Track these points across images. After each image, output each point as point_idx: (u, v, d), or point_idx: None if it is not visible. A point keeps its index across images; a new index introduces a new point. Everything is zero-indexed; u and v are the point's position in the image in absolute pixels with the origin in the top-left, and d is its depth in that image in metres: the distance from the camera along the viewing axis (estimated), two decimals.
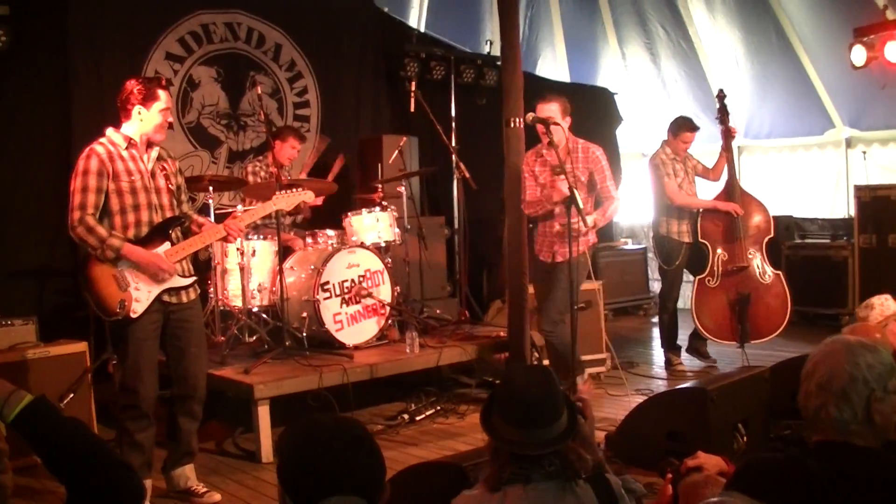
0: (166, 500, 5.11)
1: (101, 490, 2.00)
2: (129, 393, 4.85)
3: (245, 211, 5.73)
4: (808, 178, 11.46)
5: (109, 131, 4.90)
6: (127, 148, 4.86)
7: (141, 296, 4.81)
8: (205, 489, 5.16)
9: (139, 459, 4.82)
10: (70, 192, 4.76)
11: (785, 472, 2.51)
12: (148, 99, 4.85)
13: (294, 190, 5.72)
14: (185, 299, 5.03)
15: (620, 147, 12.55)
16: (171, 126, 7.57)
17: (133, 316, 4.78)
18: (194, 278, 5.07)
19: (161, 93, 4.90)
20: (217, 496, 5.15)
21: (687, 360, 8.19)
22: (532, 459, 2.65)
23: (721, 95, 7.99)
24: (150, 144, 4.96)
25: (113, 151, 4.81)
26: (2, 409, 2.03)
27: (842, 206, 10.90)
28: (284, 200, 5.58)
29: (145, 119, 4.86)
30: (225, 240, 5.59)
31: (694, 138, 8.05)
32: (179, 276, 4.97)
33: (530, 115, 5.77)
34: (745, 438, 4.92)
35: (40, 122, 7.50)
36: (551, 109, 6.20)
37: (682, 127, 8.04)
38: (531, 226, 6.79)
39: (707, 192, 8.13)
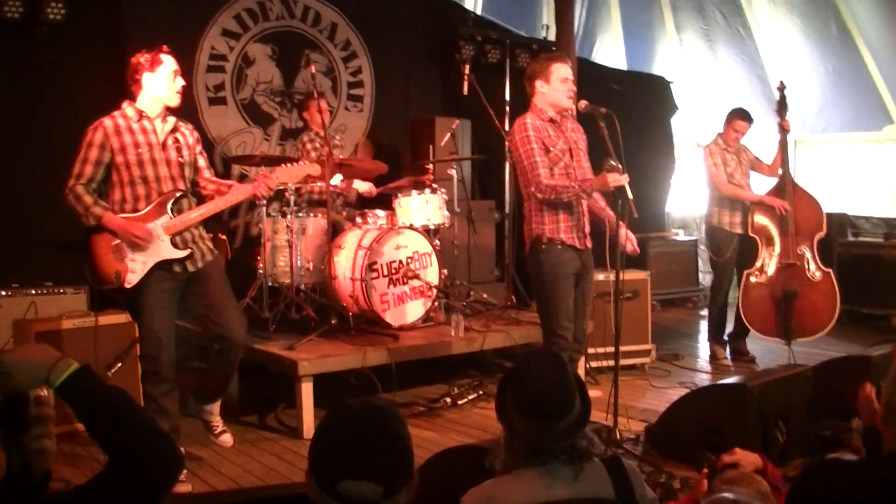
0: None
1: (141, 457, 2.04)
2: (149, 359, 5.00)
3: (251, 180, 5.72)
4: (864, 175, 11.32)
5: (125, 104, 5.05)
6: (139, 121, 4.98)
7: (136, 267, 4.92)
8: (223, 428, 5.65)
9: (167, 425, 4.92)
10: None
11: (855, 478, 2.44)
12: (153, 64, 4.98)
13: (299, 163, 5.64)
14: (199, 265, 5.14)
15: (675, 136, 12.46)
16: (224, 101, 7.73)
17: (127, 286, 4.91)
18: (189, 251, 5.06)
19: (164, 56, 5.03)
20: (230, 441, 5.62)
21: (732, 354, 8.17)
22: (544, 450, 2.66)
23: (782, 87, 7.88)
24: (166, 115, 5.08)
25: (122, 125, 4.95)
26: (48, 375, 2.07)
27: None
28: (287, 174, 5.47)
29: (155, 83, 4.99)
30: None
31: (746, 128, 7.99)
32: (174, 247, 5.01)
33: (583, 103, 5.53)
34: (784, 437, 4.90)
35: (94, 95, 7.54)
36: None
37: (736, 115, 8.03)
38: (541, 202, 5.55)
39: (763, 186, 8.05)
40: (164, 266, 4.98)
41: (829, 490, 2.40)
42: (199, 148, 5.32)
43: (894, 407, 2.49)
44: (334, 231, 7.04)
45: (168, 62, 5.02)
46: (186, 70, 8.09)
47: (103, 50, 7.63)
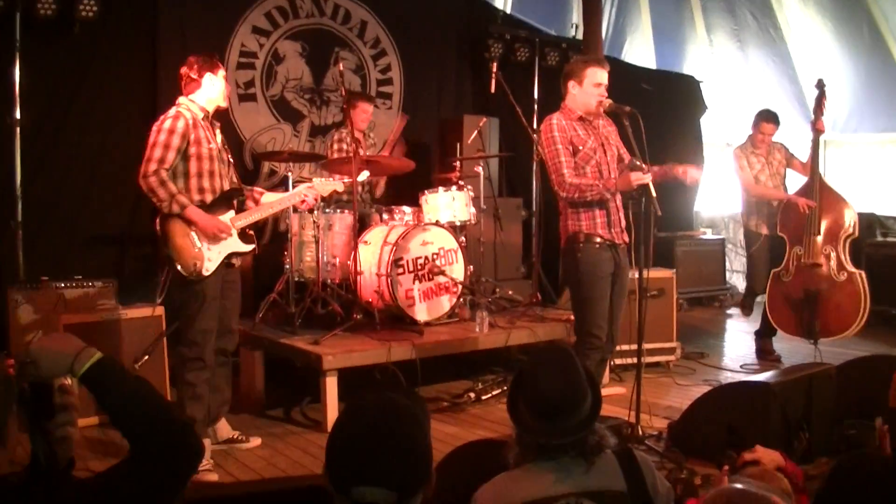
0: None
1: (162, 446, 2.07)
2: (197, 347, 5.08)
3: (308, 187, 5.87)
4: (894, 175, 11.24)
5: (185, 100, 5.15)
6: (203, 118, 5.14)
7: (212, 255, 5.08)
8: (244, 436, 5.60)
9: (202, 412, 5.10)
10: (149, 144, 5.00)
11: (889, 474, 2.43)
12: (214, 67, 5.18)
13: (332, 178, 6.14)
14: (236, 264, 5.33)
15: (704, 136, 12.42)
16: (254, 98, 7.84)
17: (205, 274, 5.04)
18: (254, 246, 5.35)
19: (218, 62, 5.25)
20: (258, 440, 5.63)
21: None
22: (553, 446, 2.69)
23: (820, 85, 7.74)
24: (213, 120, 5.25)
25: (194, 118, 5.07)
26: (73, 364, 2.11)
27: None
28: (322, 186, 5.90)
29: (215, 84, 5.18)
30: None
31: (773, 130, 8.02)
32: (242, 241, 5.25)
33: (608, 102, 5.54)
34: (808, 436, 4.89)
35: (127, 91, 7.67)
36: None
37: (761, 117, 8.10)
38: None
39: (797, 184, 7.99)
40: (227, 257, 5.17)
41: (863, 485, 2.39)
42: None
43: None
44: (361, 227, 7.08)
45: (221, 67, 5.24)
46: None
47: (136, 47, 7.74)
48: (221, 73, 5.21)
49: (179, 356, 5.18)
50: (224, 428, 5.55)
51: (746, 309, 8.60)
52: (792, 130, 9.39)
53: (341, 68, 7.13)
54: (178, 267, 5.00)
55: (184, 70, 5.16)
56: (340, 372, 5.94)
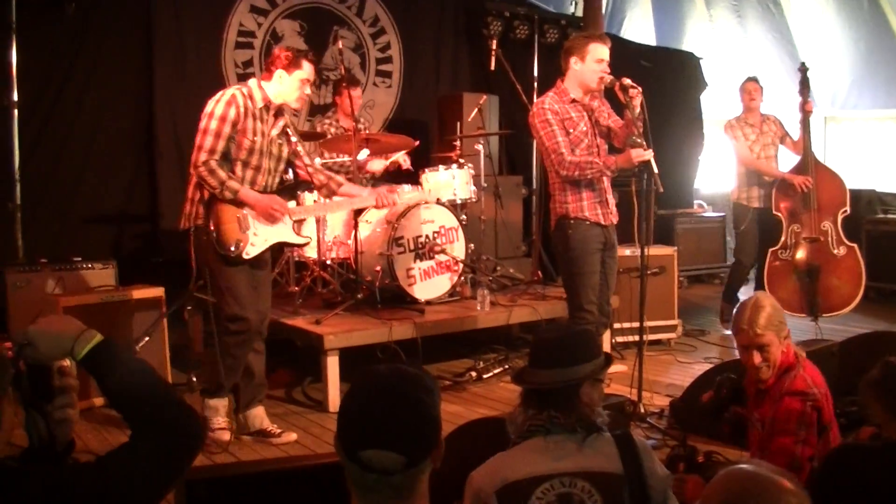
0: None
1: (163, 429, 2.06)
2: (239, 321, 5.07)
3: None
4: (894, 152, 11.21)
5: (254, 83, 5.12)
6: (262, 108, 5.07)
7: (257, 241, 5.09)
8: (280, 429, 5.39)
9: (234, 381, 5.22)
10: (201, 130, 4.93)
11: (878, 462, 2.42)
12: (291, 65, 5.08)
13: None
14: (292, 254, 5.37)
15: (704, 113, 12.36)
16: (252, 77, 7.81)
17: (246, 257, 5.05)
18: (308, 239, 5.41)
19: (306, 63, 5.12)
20: (293, 435, 5.37)
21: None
22: (548, 402, 2.70)
23: (803, 68, 7.83)
24: (279, 112, 5.18)
25: (250, 107, 5.02)
26: (73, 346, 2.09)
27: None
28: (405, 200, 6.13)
29: (284, 83, 5.09)
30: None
31: (757, 88, 8.15)
32: (295, 233, 5.30)
33: (609, 79, 5.54)
34: None
35: (121, 71, 7.66)
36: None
37: (744, 82, 8.25)
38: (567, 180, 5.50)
39: (789, 162, 7.99)
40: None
41: (854, 475, 2.38)
42: (297, 138, 5.42)
43: None
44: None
45: (306, 70, 5.12)
46: (215, 47, 8.16)
47: (131, 26, 7.73)
48: (298, 74, 5.07)
49: (225, 331, 5.09)
50: (259, 417, 5.42)
51: (728, 312, 8.31)
52: (792, 105, 9.32)
53: (341, 46, 7.09)
54: (217, 244, 4.96)
55: (269, 58, 5.18)
56: (342, 352, 5.94)
